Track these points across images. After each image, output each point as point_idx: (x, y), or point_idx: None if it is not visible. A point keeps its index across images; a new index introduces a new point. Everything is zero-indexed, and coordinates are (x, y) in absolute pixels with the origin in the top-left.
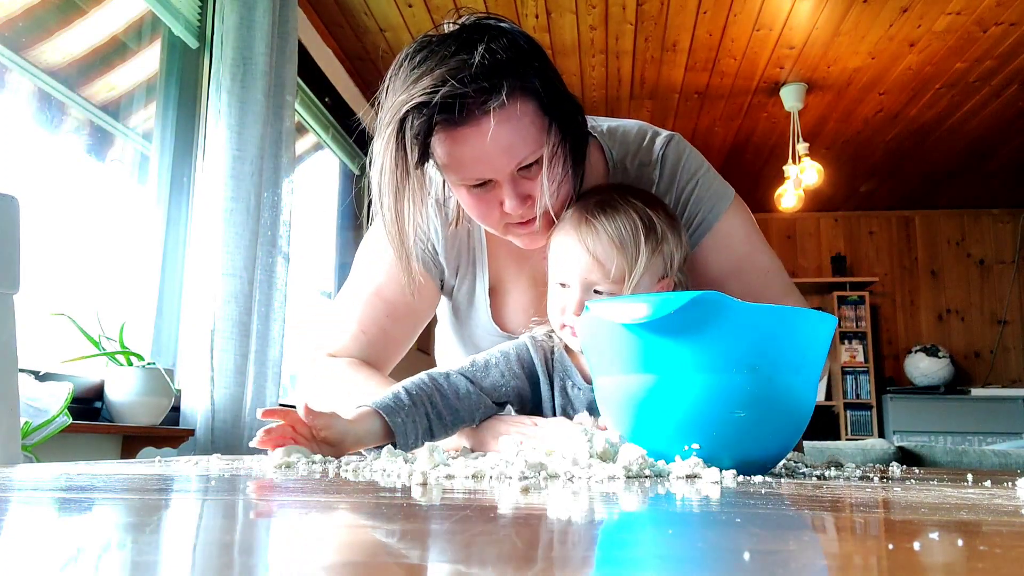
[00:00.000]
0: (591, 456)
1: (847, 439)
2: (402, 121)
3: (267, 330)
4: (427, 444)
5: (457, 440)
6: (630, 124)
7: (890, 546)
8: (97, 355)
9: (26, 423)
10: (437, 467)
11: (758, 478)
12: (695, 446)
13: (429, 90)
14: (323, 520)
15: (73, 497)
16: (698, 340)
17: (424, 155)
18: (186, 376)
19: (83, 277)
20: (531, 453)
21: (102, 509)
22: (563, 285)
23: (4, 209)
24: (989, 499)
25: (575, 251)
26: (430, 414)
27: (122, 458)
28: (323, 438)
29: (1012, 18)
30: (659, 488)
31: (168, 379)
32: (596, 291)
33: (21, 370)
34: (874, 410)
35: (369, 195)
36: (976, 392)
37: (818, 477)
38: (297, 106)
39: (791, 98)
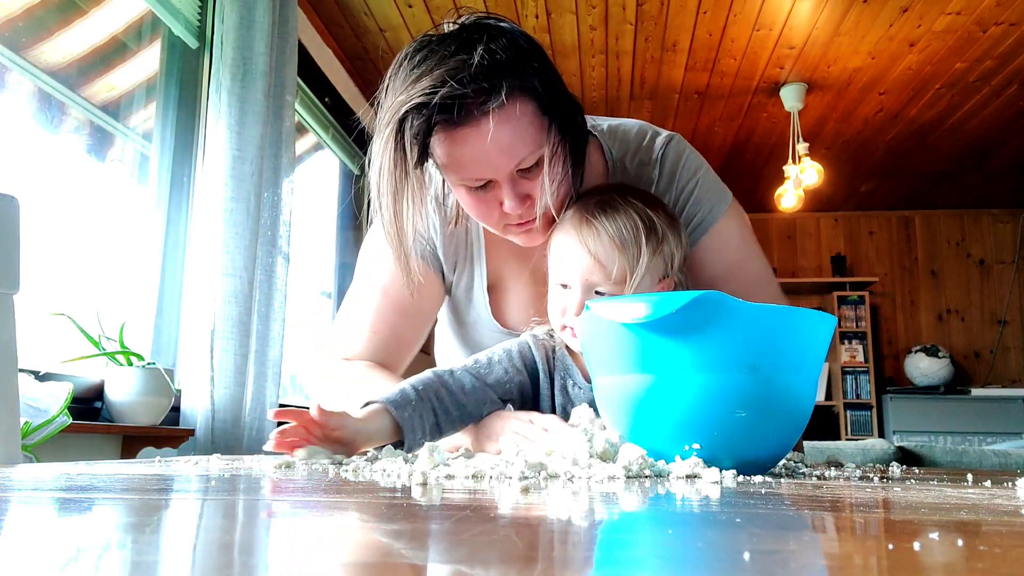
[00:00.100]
0: (591, 456)
1: (847, 439)
2: (401, 121)
3: (267, 330)
4: (427, 444)
5: (459, 437)
6: (630, 123)
7: (890, 546)
8: (97, 355)
9: (26, 423)
10: (437, 467)
11: (758, 478)
12: (696, 446)
13: (428, 90)
14: (323, 520)
15: (73, 497)
16: (699, 340)
17: (423, 155)
18: (186, 376)
19: (83, 277)
20: (531, 453)
21: (102, 509)
22: (564, 286)
23: (4, 209)
24: (989, 499)
25: (576, 252)
26: (437, 409)
27: (122, 458)
28: (336, 437)
29: (1012, 18)
30: (659, 488)
31: (168, 379)
32: (597, 292)
33: (21, 370)
34: (874, 410)
35: (369, 195)
36: (976, 392)
37: (818, 477)
38: (297, 106)
39: (791, 98)
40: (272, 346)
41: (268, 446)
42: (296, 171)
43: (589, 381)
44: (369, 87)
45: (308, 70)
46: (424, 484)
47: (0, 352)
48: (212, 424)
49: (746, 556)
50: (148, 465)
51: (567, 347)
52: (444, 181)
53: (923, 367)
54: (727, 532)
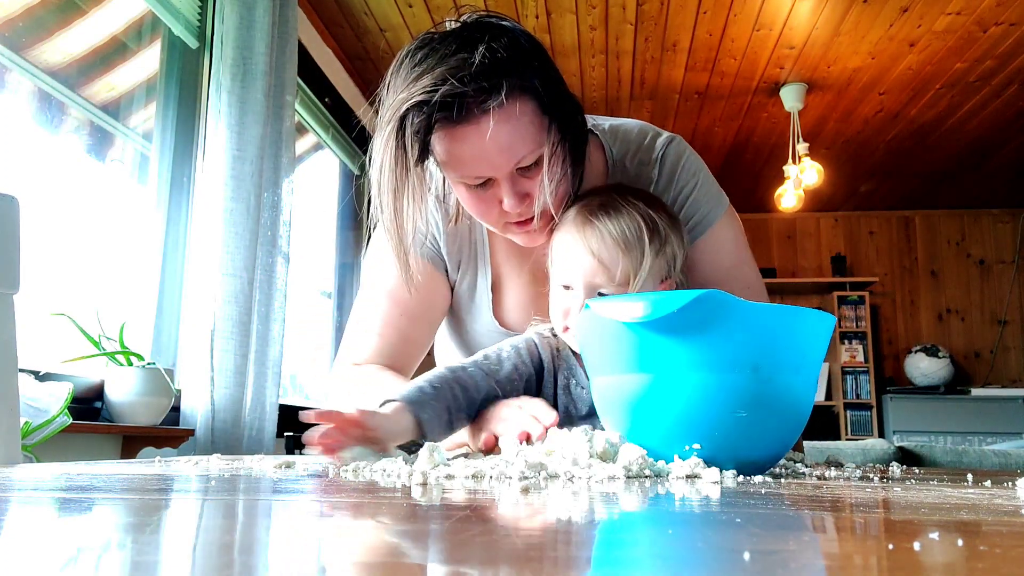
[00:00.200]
0: (591, 456)
1: (847, 439)
2: (402, 119)
3: (267, 330)
4: (427, 444)
5: (461, 434)
6: (631, 123)
7: (890, 546)
8: (97, 355)
9: (26, 423)
10: (437, 467)
11: (758, 478)
12: (696, 446)
13: (429, 88)
14: (323, 520)
15: (73, 497)
16: (701, 339)
17: (424, 153)
18: (186, 376)
19: (83, 277)
20: (531, 453)
21: (102, 509)
22: (566, 288)
23: (4, 209)
24: (989, 499)
25: (579, 254)
26: (451, 408)
27: (122, 458)
28: (372, 437)
29: (1012, 18)
30: (659, 488)
31: (168, 379)
32: (600, 294)
33: (21, 370)
34: (874, 410)
35: (369, 193)
36: (976, 392)
37: (818, 477)
38: (297, 106)
39: (791, 98)
40: (272, 346)
41: (311, 450)
42: (296, 171)
43: None
44: (369, 87)
45: (308, 70)
46: (424, 484)
47: (0, 352)
48: (212, 424)
49: (746, 556)
50: (148, 465)
51: (571, 348)
52: (445, 179)
53: (923, 367)
54: (727, 532)
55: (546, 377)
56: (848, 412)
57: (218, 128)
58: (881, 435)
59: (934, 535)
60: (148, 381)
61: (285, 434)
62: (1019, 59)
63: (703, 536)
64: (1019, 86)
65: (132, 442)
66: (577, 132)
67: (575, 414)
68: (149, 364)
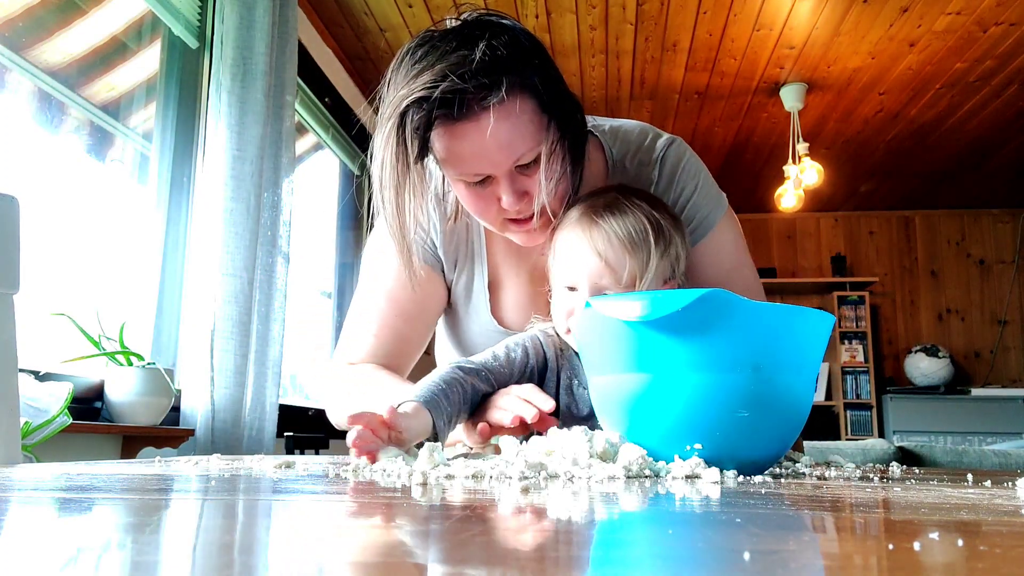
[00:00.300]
0: (591, 456)
1: (847, 439)
2: (402, 115)
3: (267, 330)
4: (427, 444)
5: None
6: (632, 124)
7: (890, 546)
8: (97, 355)
9: (26, 423)
10: (437, 467)
11: (758, 478)
12: (697, 446)
13: (429, 85)
14: (323, 520)
15: (73, 497)
16: (703, 339)
17: (424, 150)
18: (186, 376)
19: (83, 277)
20: (531, 453)
21: (102, 509)
22: (571, 288)
23: (4, 209)
24: (989, 499)
25: (584, 254)
26: (462, 408)
27: (122, 458)
28: (400, 438)
29: (1012, 18)
30: (659, 488)
31: (168, 379)
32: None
33: (21, 370)
34: (874, 410)
35: (370, 192)
36: (976, 392)
37: (818, 477)
38: (297, 106)
39: (791, 98)
40: (272, 346)
41: (355, 454)
42: (296, 171)
43: None
44: (369, 87)
45: (308, 70)
46: (424, 484)
47: (0, 352)
48: (212, 424)
49: (746, 556)
50: (148, 465)
51: (574, 349)
52: (444, 178)
53: (923, 367)
54: (727, 532)
55: (549, 376)
56: (848, 412)
57: (218, 128)
58: (881, 435)
59: (934, 535)
60: (148, 381)
61: (285, 434)
62: (1019, 59)
63: (703, 536)
64: (1019, 86)
65: (132, 442)
66: (576, 131)
67: (577, 414)
68: (149, 364)
